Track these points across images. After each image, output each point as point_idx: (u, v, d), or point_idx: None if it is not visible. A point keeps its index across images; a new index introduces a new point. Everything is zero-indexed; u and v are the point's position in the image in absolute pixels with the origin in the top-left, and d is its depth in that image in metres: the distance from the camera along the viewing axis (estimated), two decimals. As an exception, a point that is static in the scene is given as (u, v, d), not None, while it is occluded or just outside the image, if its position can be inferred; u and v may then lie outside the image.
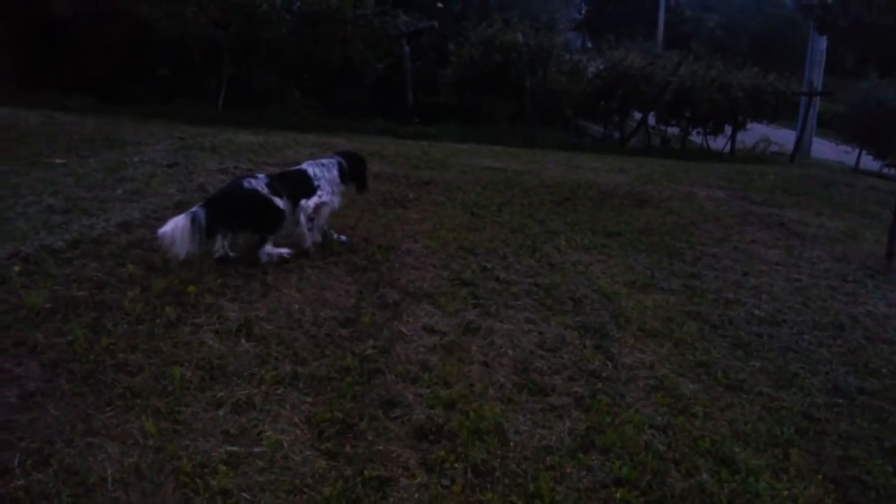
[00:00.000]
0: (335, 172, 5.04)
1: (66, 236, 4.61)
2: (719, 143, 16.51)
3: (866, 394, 3.76)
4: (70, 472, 2.43)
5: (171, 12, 11.96)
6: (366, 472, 2.60)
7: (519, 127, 14.66)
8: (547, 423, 3.09)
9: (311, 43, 12.95)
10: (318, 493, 2.47)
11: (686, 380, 3.67)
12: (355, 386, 3.20)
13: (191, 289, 3.96)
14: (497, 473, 2.70)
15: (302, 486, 2.51)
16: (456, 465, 2.71)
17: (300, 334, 3.65)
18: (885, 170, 16.43)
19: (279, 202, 4.56)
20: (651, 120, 16.50)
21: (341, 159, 5.18)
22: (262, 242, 4.61)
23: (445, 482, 2.62)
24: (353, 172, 5.22)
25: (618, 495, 2.64)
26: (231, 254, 4.56)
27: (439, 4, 17.26)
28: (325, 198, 4.88)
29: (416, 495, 2.54)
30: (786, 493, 2.79)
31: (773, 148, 16.93)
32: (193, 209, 4.23)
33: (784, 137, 17.36)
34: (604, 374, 3.61)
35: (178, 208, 5.02)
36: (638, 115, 16.44)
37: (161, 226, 4.14)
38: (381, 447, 2.78)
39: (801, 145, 17.09)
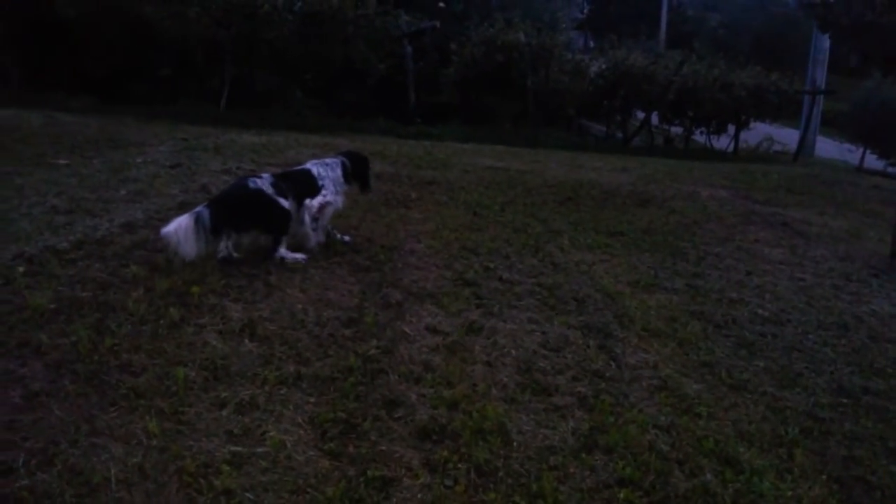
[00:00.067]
0: (339, 172, 5.05)
1: (69, 237, 4.62)
2: (723, 142, 16.48)
3: (871, 393, 3.74)
4: (74, 472, 2.44)
5: (174, 12, 11.99)
6: (369, 473, 2.60)
7: (521, 127, 14.65)
8: (550, 423, 3.08)
9: (313, 43, 12.95)
10: (321, 493, 2.47)
11: (690, 380, 3.67)
12: (358, 386, 3.19)
13: (194, 289, 3.96)
14: (500, 473, 2.69)
15: (305, 486, 2.50)
16: (459, 466, 2.71)
17: (303, 334, 3.65)
18: (889, 169, 16.37)
19: (284, 203, 4.56)
20: (654, 119, 16.48)
21: (345, 159, 5.18)
22: (276, 244, 4.61)
23: (448, 482, 2.61)
24: (356, 172, 5.23)
25: (621, 495, 2.63)
26: (235, 254, 4.56)
27: (441, 4, 17.26)
28: (329, 197, 4.88)
29: (419, 495, 2.53)
30: (790, 493, 2.78)
31: (777, 147, 16.90)
32: (198, 209, 4.23)
33: (787, 137, 17.34)
34: (607, 374, 3.60)
35: (181, 209, 5.02)
36: (641, 115, 16.42)
37: (164, 225, 4.15)
38: (384, 447, 2.78)
39: (804, 144, 17.06)
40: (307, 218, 4.77)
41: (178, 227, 4.06)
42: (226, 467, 2.54)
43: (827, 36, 16.26)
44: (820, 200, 9.47)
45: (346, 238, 5.24)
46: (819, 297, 5.22)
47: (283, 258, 4.60)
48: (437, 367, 3.45)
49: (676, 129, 17.08)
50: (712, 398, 3.49)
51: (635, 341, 4.06)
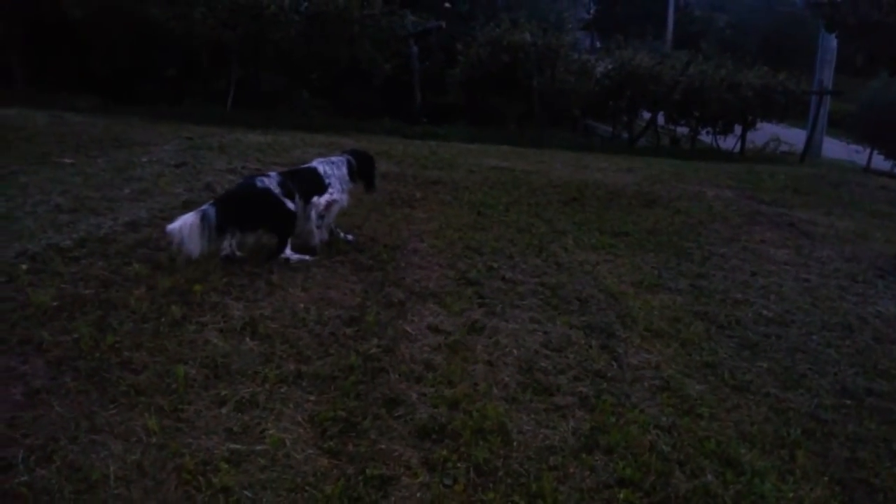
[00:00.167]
0: (344, 170, 5.06)
1: (73, 235, 4.63)
2: (729, 142, 16.41)
3: (875, 395, 3.72)
4: (73, 468, 2.44)
5: (180, 13, 12.03)
6: (368, 471, 2.59)
7: (527, 127, 14.63)
8: (551, 423, 3.07)
9: (319, 43, 12.98)
10: (320, 492, 2.47)
11: (692, 380, 3.65)
12: (359, 385, 3.19)
13: (197, 287, 3.97)
14: (500, 473, 2.69)
15: (303, 485, 2.50)
16: (458, 465, 2.70)
17: (304, 333, 3.65)
18: (897, 169, 16.31)
19: (290, 204, 4.56)
20: (660, 120, 16.43)
21: (350, 157, 5.19)
22: (282, 245, 4.62)
23: (447, 481, 2.61)
24: (361, 170, 5.23)
25: (621, 496, 2.62)
26: (238, 253, 4.56)
27: (447, 4, 17.26)
28: (335, 195, 4.89)
29: (418, 494, 2.53)
30: (791, 494, 2.76)
31: (784, 148, 16.81)
32: (204, 207, 4.22)
33: (794, 137, 17.24)
34: (609, 374, 3.59)
35: (186, 208, 5.03)
36: (647, 115, 16.38)
37: (170, 223, 4.14)
38: (383, 446, 2.77)
39: (811, 145, 16.96)
40: (314, 214, 4.78)
41: (184, 224, 4.05)
42: (224, 465, 2.54)
43: (834, 36, 16.17)
44: (826, 201, 9.42)
45: (350, 237, 5.24)
46: (824, 298, 5.19)
47: (288, 259, 4.60)
48: (438, 367, 3.45)
49: (682, 130, 17.02)
50: (714, 399, 3.47)
51: (638, 341, 4.04)
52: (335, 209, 4.96)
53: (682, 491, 2.70)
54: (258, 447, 2.68)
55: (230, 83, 12.83)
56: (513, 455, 2.81)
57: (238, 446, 2.66)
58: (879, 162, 16.76)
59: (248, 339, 3.50)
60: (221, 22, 12.20)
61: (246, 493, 2.43)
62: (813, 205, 9.00)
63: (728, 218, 7.58)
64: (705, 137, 16.73)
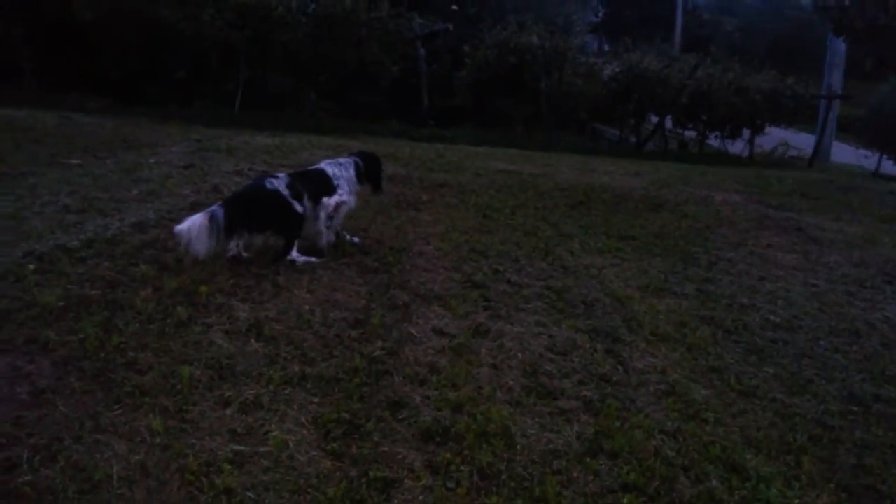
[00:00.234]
0: (352, 172, 5.06)
1: (80, 236, 4.65)
2: (737, 147, 16.36)
3: (882, 401, 3.69)
4: (77, 468, 2.45)
5: (189, 15, 12.09)
6: (371, 473, 2.59)
7: (534, 130, 14.62)
8: (555, 427, 3.06)
9: (327, 45, 13.02)
10: (322, 494, 2.47)
11: (698, 385, 3.63)
12: (363, 387, 3.19)
13: (203, 289, 3.98)
14: (503, 477, 2.68)
15: (306, 486, 2.50)
16: (462, 468, 2.70)
17: (309, 335, 3.65)
18: (906, 174, 16.21)
19: (298, 206, 4.56)
20: (668, 123, 16.38)
21: (357, 159, 5.19)
22: (288, 247, 4.62)
23: (451, 484, 2.60)
24: (368, 172, 5.24)
25: (625, 501, 2.61)
26: (245, 254, 4.57)
27: (454, 7, 17.28)
28: (345, 197, 4.90)
29: (421, 497, 2.52)
30: (797, 501, 2.74)
31: (792, 152, 16.74)
32: (212, 207, 4.23)
33: (803, 141, 17.18)
34: (614, 379, 3.58)
35: (193, 209, 5.04)
36: (655, 119, 16.34)
37: (178, 223, 4.15)
38: (386, 448, 2.77)
39: (820, 149, 16.90)
40: (323, 215, 4.78)
41: (192, 224, 4.06)
42: (228, 466, 2.54)
43: (842, 40, 16.11)
44: (835, 206, 9.37)
45: (356, 239, 5.24)
46: (832, 304, 5.16)
47: (294, 261, 4.60)
48: (443, 370, 3.44)
49: (690, 134, 16.98)
50: (720, 404, 3.45)
51: (643, 346, 4.03)
52: (344, 210, 4.97)
53: (686, 496, 2.68)
54: (261, 449, 2.68)
55: (238, 85, 12.88)
56: (516, 459, 2.80)
57: (241, 447, 2.67)
58: (889, 167, 16.66)
59: (252, 341, 3.50)
60: (230, 23, 12.25)
61: (249, 494, 2.43)
62: (821, 209, 8.95)
63: (735, 222, 7.55)
64: (713, 142, 16.67)
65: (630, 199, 8.14)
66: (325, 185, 4.82)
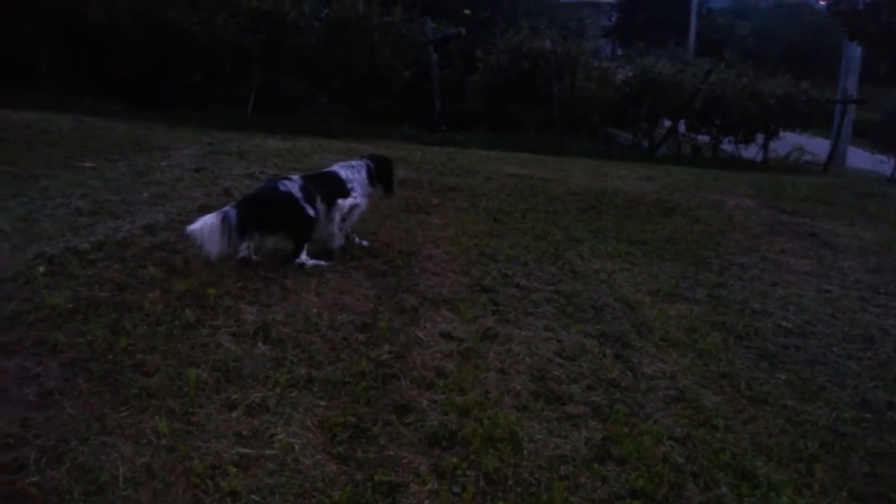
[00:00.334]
0: (364, 175, 5.08)
1: (90, 238, 4.68)
2: (751, 151, 16.22)
3: (895, 409, 3.64)
4: (83, 469, 2.45)
5: (202, 19, 12.17)
6: (376, 477, 2.58)
7: (546, 134, 14.56)
8: (562, 433, 3.04)
9: (339, 50, 13.05)
10: (328, 497, 2.46)
11: (708, 391, 3.59)
12: (369, 391, 3.18)
13: (211, 291, 3.99)
14: (510, 482, 2.66)
15: (312, 490, 2.49)
16: (468, 473, 2.68)
17: (316, 338, 3.65)
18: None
19: (310, 210, 4.56)
20: (681, 128, 16.29)
21: (369, 161, 5.21)
22: (298, 250, 4.62)
23: (457, 489, 2.58)
24: (380, 175, 5.25)
25: (633, 507, 2.58)
26: (254, 257, 4.58)
27: (467, 11, 17.29)
28: (358, 199, 4.91)
29: (427, 502, 2.51)
30: (808, 509, 2.70)
31: (807, 157, 16.57)
32: (225, 209, 4.24)
33: (818, 146, 17.01)
34: (623, 384, 3.54)
35: (203, 212, 5.04)
36: (668, 123, 16.25)
37: (190, 224, 4.16)
38: (392, 452, 2.75)
39: (835, 154, 16.72)
40: (337, 216, 4.78)
41: (204, 225, 4.07)
42: (233, 469, 2.54)
43: (856, 44, 15.97)
44: (850, 211, 9.27)
45: (365, 243, 5.24)
46: (845, 310, 5.09)
47: (303, 264, 4.61)
48: (450, 374, 3.43)
49: (704, 139, 16.86)
50: (731, 410, 3.41)
51: (653, 351, 3.99)
52: (356, 213, 4.98)
53: (695, 503, 2.65)
54: (267, 451, 2.67)
55: (251, 88, 12.94)
56: (523, 464, 2.77)
57: (247, 450, 2.66)
58: (905, 172, 16.45)
59: (260, 344, 3.50)
60: (243, 27, 12.33)
61: (254, 497, 2.42)
62: (836, 215, 8.86)
63: (748, 227, 7.48)
64: (727, 146, 16.55)
65: (642, 204, 8.10)
66: (339, 188, 4.83)
